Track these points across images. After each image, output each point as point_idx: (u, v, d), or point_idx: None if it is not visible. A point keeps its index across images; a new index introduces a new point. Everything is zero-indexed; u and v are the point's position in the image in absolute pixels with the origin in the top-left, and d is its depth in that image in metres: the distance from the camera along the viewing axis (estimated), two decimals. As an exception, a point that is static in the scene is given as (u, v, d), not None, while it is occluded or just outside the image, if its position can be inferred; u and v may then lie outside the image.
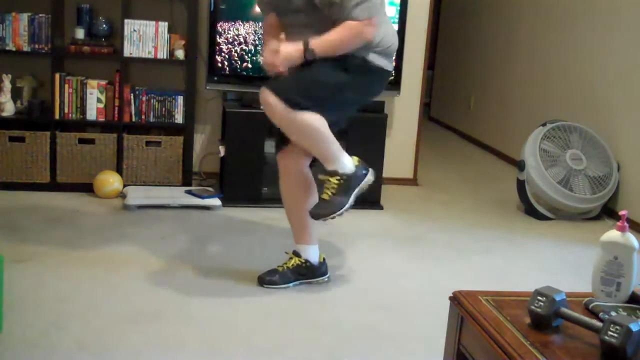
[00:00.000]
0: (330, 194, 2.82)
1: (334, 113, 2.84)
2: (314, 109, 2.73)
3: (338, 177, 2.82)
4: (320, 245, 3.21)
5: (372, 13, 2.76)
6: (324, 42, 2.77)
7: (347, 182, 2.83)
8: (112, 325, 2.61)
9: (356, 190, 2.86)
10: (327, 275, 3.14)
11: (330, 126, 2.80)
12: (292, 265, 3.07)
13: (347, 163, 2.86)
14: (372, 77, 2.94)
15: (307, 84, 2.78)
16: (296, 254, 3.09)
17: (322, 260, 3.12)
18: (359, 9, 2.73)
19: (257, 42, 4.21)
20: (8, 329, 2.48)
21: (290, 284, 3.06)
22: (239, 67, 4.24)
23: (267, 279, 3.04)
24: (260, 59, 2.80)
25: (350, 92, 2.90)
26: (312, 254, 3.09)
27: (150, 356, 2.43)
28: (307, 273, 3.08)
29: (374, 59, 2.87)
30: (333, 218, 2.84)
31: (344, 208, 2.83)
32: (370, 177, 2.92)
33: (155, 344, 2.50)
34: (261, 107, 2.81)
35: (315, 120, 2.76)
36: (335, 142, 2.84)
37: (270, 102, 2.73)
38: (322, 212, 2.82)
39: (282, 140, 3.00)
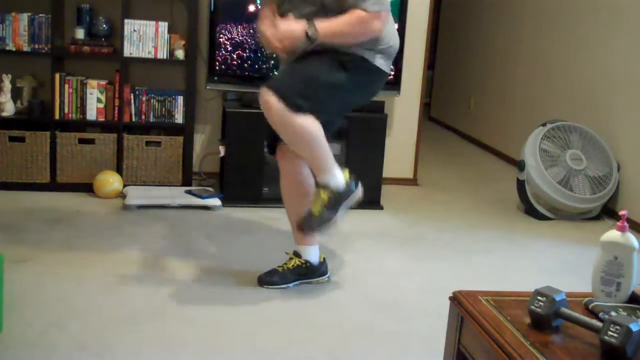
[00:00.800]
0: (319, 207, 2.78)
1: (329, 114, 2.82)
2: (313, 111, 2.70)
3: (329, 191, 2.79)
4: (320, 245, 3.21)
5: (382, 8, 2.74)
6: (330, 26, 2.70)
7: (337, 197, 2.80)
8: (112, 325, 2.61)
9: (344, 205, 2.83)
10: (327, 275, 3.14)
11: (323, 127, 2.76)
12: (292, 266, 3.07)
13: (339, 176, 2.82)
14: (371, 78, 2.91)
15: (307, 84, 2.74)
16: (296, 254, 3.09)
17: (322, 260, 3.12)
18: (370, 0, 2.70)
19: (256, 43, 4.21)
20: (8, 329, 2.48)
21: (290, 285, 3.06)
22: (239, 67, 4.24)
23: (267, 280, 3.04)
24: (258, 36, 2.71)
25: (348, 93, 2.88)
26: (313, 254, 3.08)
27: (150, 356, 2.43)
28: (307, 273, 3.08)
29: (374, 58, 2.84)
30: (320, 232, 2.84)
31: (331, 222, 2.81)
32: (359, 194, 2.89)
33: (155, 344, 2.50)
34: (260, 107, 2.79)
35: (313, 127, 2.72)
36: (330, 153, 2.81)
37: (270, 102, 2.69)
38: (309, 225, 2.82)
39: (274, 139, 2.95)
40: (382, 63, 2.88)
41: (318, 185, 2.83)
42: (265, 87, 2.73)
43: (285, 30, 2.70)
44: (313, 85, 2.76)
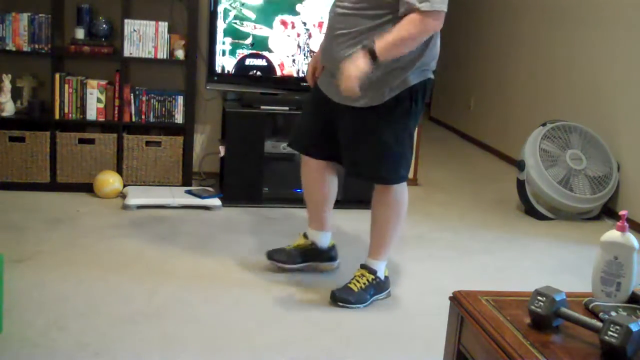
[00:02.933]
0: (359, 286, 2.92)
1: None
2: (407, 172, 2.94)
3: (373, 278, 2.96)
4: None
5: (433, 6, 2.58)
6: (386, 42, 2.58)
7: (376, 285, 2.97)
8: (112, 325, 2.61)
9: (375, 297, 2.98)
10: (336, 262, 3.23)
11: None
12: (297, 245, 3.19)
13: (384, 268, 3.01)
14: (419, 98, 2.85)
15: (406, 157, 2.94)
16: (304, 235, 3.21)
17: (331, 245, 3.22)
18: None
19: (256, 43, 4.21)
20: (8, 329, 2.48)
21: (296, 266, 3.16)
22: (239, 67, 4.24)
23: (276, 257, 3.16)
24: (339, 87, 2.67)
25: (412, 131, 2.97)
26: (321, 238, 3.18)
27: (150, 356, 2.43)
28: (313, 255, 3.17)
29: (416, 78, 2.78)
30: (347, 307, 2.89)
31: (362, 305, 2.91)
32: (389, 295, 3.04)
33: (155, 344, 2.50)
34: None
35: (406, 202, 2.99)
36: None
37: (391, 194, 2.92)
38: (345, 297, 2.89)
39: (302, 147, 3.07)
40: (420, 73, 2.81)
41: (366, 268, 2.98)
42: (383, 184, 2.91)
43: (355, 70, 2.57)
44: (404, 152, 2.92)
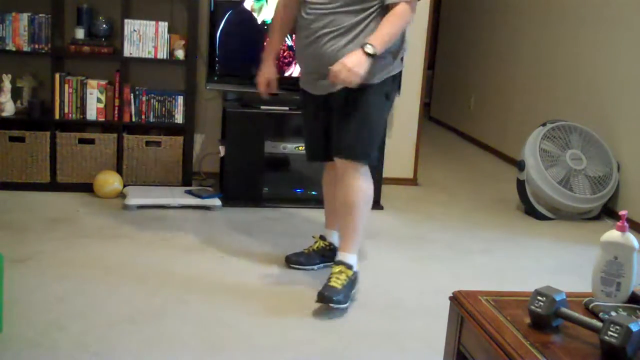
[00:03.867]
0: (341, 283, 2.87)
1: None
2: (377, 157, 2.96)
3: (352, 273, 2.93)
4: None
5: None
6: (382, 39, 2.73)
7: (354, 281, 2.95)
8: (112, 325, 2.61)
9: (353, 291, 2.96)
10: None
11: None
12: (317, 247, 3.25)
13: (356, 261, 2.98)
14: (395, 87, 3.03)
15: (376, 137, 2.94)
16: (322, 237, 3.26)
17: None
18: None
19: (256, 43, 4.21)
20: (8, 329, 2.48)
21: (315, 267, 3.22)
22: (239, 67, 4.24)
23: (294, 260, 3.22)
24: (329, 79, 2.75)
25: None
26: (337, 238, 3.20)
27: (150, 356, 2.43)
28: (331, 255, 3.18)
29: (399, 65, 2.96)
30: (339, 307, 2.84)
31: (348, 304, 2.88)
32: (356, 292, 2.99)
33: (155, 344, 2.50)
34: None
35: (371, 191, 2.96)
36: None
37: (350, 170, 2.89)
38: (335, 296, 2.82)
39: (320, 156, 3.11)
40: (400, 64, 2.98)
41: (343, 264, 2.93)
42: (344, 158, 2.89)
43: (354, 65, 2.67)
44: (379, 134, 2.96)
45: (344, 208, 2.96)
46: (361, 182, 2.92)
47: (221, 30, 4.15)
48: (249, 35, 4.22)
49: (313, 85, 2.96)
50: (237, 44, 4.22)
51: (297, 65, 3.11)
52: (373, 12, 2.79)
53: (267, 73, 3.12)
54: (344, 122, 2.89)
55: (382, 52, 2.76)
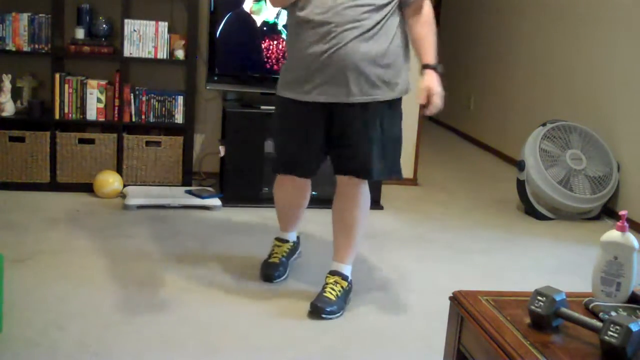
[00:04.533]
0: (335, 294, 2.84)
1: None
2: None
3: (347, 284, 2.89)
4: (320, 245, 3.27)
5: None
6: (434, 49, 2.79)
7: (349, 291, 2.92)
8: (112, 325, 2.61)
9: (348, 300, 2.92)
10: (298, 251, 3.32)
11: None
12: (286, 251, 3.20)
13: (351, 272, 2.95)
14: None
15: (390, 153, 2.85)
16: (284, 240, 3.22)
17: (298, 235, 3.32)
18: None
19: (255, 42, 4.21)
20: (8, 329, 2.48)
21: (287, 272, 3.18)
22: (239, 67, 4.24)
23: (276, 274, 3.11)
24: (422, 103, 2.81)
25: None
26: (294, 236, 3.26)
27: (150, 356, 2.43)
28: (293, 253, 3.25)
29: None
30: (331, 318, 2.79)
31: (341, 314, 2.84)
32: (349, 301, 2.94)
33: (155, 344, 2.50)
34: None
35: (369, 202, 2.94)
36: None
37: (362, 190, 2.86)
38: (327, 308, 2.78)
39: (301, 170, 2.94)
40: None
41: (339, 274, 2.90)
42: (359, 177, 2.81)
43: (439, 88, 2.78)
44: (399, 148, 2.89)
45: (344, 225, 2.89)
46: (364, 198, 2.88)
47: (221, 32, 4.16)
48: (248, 37, 4.22)
49: (307, 89, 2.71)
50: (237, 45, 4.22)
51: (287, 73, 2.83)
52: (392, 10, 2.69)
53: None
54: (357, 138, 2.73)
55: (400, 67, 2.76)
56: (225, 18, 4.16)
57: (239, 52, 4.24)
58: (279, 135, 2.97)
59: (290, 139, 2.87)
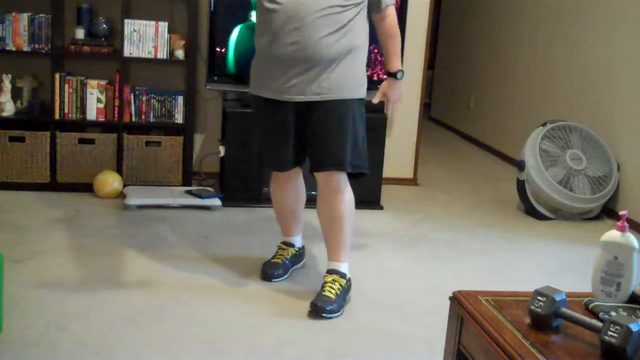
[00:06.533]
0: (334, 293, 2.86)
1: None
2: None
3: (345, 281, 2.92)
4: (320, 245, 3.23)
5: None
6: (398, 56, 2.93)
7: (348, 288, 2.94)
8: (112, 325, 2.61)
9: (347, 298, 2.94)
10: (303, 262, 3.30)
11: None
12: (290, 255, 3.21)
13: (348, 268, 2.97)
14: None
15: (363, 148, 2.92)
16: (289, 244, 3.23)
17: (302, 245, 3.31)
18: None
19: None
20: (8, 329, 2.48)
21: (288, 274, 3.18)
22: (239, 67, 4.24)
23: (275, 274, 3.12)
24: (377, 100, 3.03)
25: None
26: (300, 241, 3.26)
27: (150, 356, 2.43)
28: (298, 259, 3.25)
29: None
30: (331, 317, 2.80)
31: (341, 313, 2.84)
32: (350, 298, 2.96)
33: (155, 344, 2.50)
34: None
35: (353, 201, 2.94)
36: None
37: (341, 183, 2.86)
38: (328, 307, 2.80)
39: (282, 164, 2.98)
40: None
41: (336, 272, 2.92)
42: (333, 170, 2.84)
43: (395, 96, 2.99)
44: (364, 146, 2.93)
45: (331, 221, 2.91)
46: (345, 193, 2.88)
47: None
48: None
49: (278, 85, 2.78)
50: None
51: (256, 72, 2.91)
52: (359, 11, 2.79)
53: None
54: (331, 135, 2.81)
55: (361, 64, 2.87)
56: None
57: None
58: (257, 130, 3.01)
59: (266, 134, 2.96)
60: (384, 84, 2.97)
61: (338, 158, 2.82)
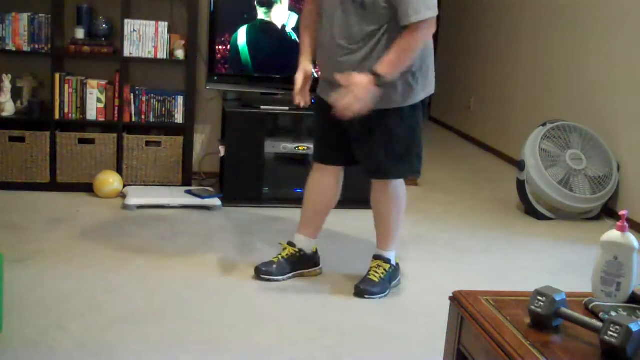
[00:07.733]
0: (379, 277, 3.05)
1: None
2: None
3: (389, 266, 3.09)
4: (320, 245, 3.23)
5: (423, 16, 2.70)
6: (389, 63, 2.71)
7: (393, 273, 3.12)
8: (112, 325, 2.61)
9: (392, 285, 3.11)
10: (320, 266, 3.24)
11: None
12: (287, 255, 3.15)
13: (395, 256, 3.14)
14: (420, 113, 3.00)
15: (418, 149, 3.00)
16: (290, 244, 3.18)
17: (314, 250, 3.22)
18: (410, 10, 2.67)
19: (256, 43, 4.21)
20: (8, 329, 2.48)
21: (285, 277, 3.11)
22: (239, 67, 4.24)
23: (264, 270, 3.11)
24: (331, 99, 2.76)
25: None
26: (306, 244, 3.18)
27: (150, 356, 2.43)
28: (301, 262, 3.16)
29: (417, 95, 2.92)
30: (372, 298, 3.00)
31: (385, 294, 3.04)
32: (399, 282, 3.17)
33: (155, 344, 2.50)
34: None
35: (405, 193, 3.09)
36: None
37: (390, 189, 3.02)
38: (370, 289, 3.01)
39: (326, 158, 3.11)
40: (424, 92, 2.97)
41: (381, 258, 3.10)
42: (378, 179, 3.03)
43: (360, 92, 2.68)
44: (411, 151, 2.98)
45: (381, 215, 3.09)
46: (395, 191, 3.05)
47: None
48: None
49: (326, 90, 2.90)
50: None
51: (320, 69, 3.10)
52: (384, 31, 2.78)
53: (305, 67, 2.97)
54: (367, 146, 2.96)
55: (395, 78, 2.77)
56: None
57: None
58: (316, 127, 3.22)
59: (320, 132, 3.16)
60: (358, 75, 2.71)
61: (377, 167, 3.00)
